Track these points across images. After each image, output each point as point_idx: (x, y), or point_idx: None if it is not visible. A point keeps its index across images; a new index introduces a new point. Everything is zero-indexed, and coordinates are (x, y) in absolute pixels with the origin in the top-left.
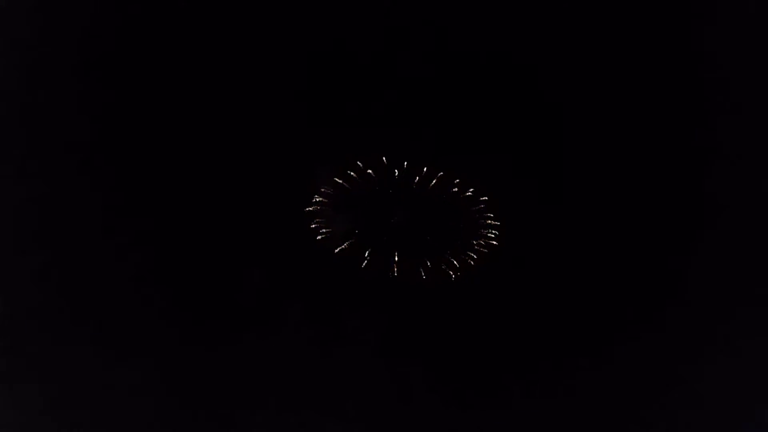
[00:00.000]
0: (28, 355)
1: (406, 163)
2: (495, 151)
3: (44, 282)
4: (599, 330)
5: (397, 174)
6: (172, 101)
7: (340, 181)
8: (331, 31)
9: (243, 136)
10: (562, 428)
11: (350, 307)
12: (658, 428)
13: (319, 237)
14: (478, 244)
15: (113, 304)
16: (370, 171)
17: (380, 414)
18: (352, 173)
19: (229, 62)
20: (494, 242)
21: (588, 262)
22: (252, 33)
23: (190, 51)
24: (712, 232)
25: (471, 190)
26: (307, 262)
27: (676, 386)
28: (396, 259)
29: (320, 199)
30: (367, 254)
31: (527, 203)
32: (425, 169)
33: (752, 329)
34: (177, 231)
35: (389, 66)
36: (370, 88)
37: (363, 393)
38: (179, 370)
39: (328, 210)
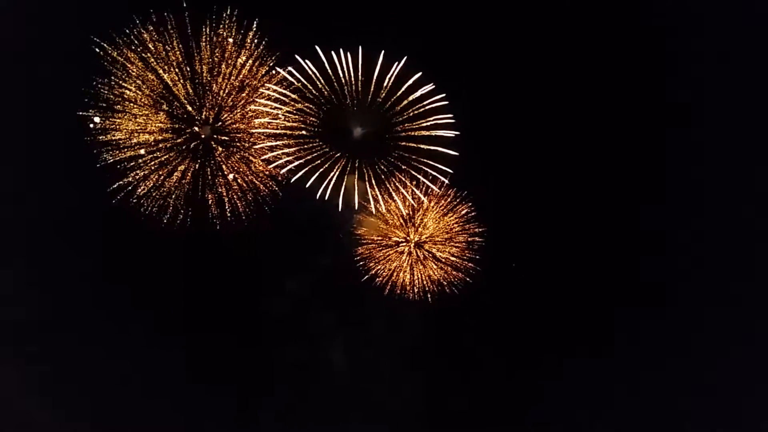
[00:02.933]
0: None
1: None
2: None
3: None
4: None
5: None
6: None
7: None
8: None
9: None
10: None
11: (380, 314)
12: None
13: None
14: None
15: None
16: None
17: (410, 414)
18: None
19: None
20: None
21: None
22: None
23: None
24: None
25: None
26: (340, 272)
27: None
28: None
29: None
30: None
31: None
32: None
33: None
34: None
35: None
36: None
37: (393, 395)
38: (213, 373)
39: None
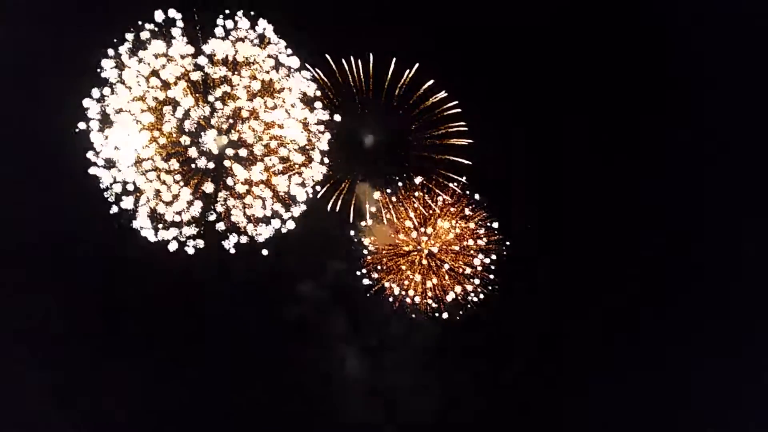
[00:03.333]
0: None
1: None
2: None
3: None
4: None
5: None
6: None
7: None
8: None
9: None
10: None
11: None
12: None
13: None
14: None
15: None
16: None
17: (428, 418)
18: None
19: None
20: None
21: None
22: None
23: None
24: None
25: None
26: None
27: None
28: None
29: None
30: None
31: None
32: None
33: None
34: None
35: None
36: None
37: (409, 399)
38: (231, 378)
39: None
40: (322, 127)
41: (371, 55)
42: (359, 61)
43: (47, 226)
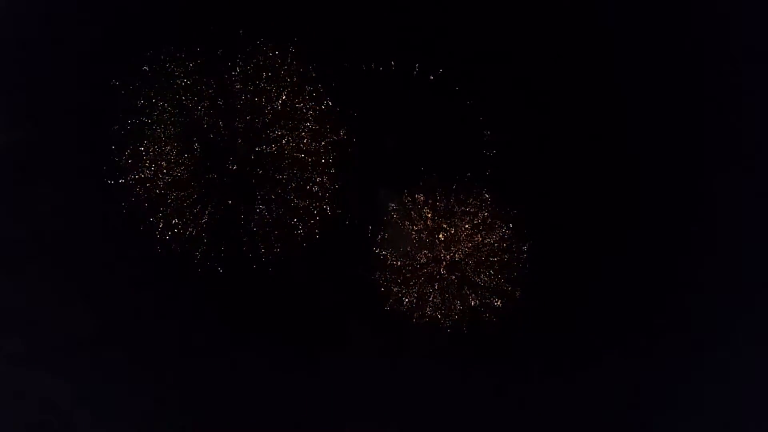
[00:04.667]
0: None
1: None
2: None
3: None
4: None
5: None
6: None
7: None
8: None
9: None
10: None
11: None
12: None
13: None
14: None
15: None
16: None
17: (446, 421)
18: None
19: None
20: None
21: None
22: None
23: None
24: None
25: None
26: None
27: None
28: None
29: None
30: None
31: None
32: None
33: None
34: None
35: None
36: None
37: (429, 401)
38: (250, 380)
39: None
40: (341, 137)
41: (392, 62)
42: (380, 68)
43: (68, 237)
